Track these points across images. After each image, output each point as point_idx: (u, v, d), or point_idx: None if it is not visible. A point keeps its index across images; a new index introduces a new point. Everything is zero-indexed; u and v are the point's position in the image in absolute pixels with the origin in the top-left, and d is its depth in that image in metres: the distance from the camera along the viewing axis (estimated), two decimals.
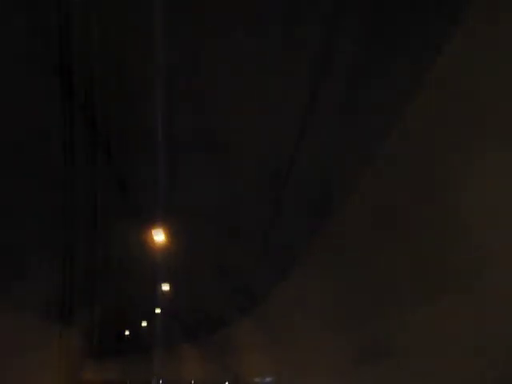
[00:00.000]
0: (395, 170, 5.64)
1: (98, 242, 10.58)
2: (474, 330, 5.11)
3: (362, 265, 7.53)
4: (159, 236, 10.68)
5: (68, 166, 6.89)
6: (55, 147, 6.44)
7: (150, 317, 22.17)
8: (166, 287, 16.60)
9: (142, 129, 6.81)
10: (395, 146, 5.40)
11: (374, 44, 4.74)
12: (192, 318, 20.62)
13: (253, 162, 7.38)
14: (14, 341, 11.06)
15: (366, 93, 5.23)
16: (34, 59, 5.03)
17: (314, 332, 10.70)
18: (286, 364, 13.00)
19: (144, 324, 25.92)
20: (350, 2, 4.39)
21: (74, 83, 5.37)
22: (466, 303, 5.15)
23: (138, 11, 4.71)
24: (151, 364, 27.12)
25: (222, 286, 14.06)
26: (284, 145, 6.59)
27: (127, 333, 30.30)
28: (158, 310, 21.42)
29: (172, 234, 10.82)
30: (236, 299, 14.45)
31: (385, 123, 5.30)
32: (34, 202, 7.67)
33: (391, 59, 4.75)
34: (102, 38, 4.85)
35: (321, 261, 9.12)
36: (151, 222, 10.22)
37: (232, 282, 13.34)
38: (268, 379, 14.55)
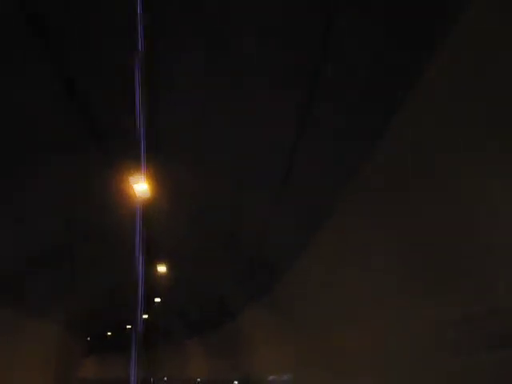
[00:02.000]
0: None
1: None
2: None
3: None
4: (141, 189, 7.98)
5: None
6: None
7: (148, 309, 19.88)
8: (162, 268, 14.10)
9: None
10: None
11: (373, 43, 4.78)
12: (195, 309, 19.01)
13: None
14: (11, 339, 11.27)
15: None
16: None
17: (340, 320, 9.08)
18: (305, 360, 11.49)
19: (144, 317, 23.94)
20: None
21: None
22: None
23: None
24: (152, 361, 26.10)
25: (228, 261, 11.90)
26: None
27: (128, 326, 28.66)
28: (157, 299, 19.34)
29: (161, 186, 8.19)
30: (247, 279, 12.55)
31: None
32: None
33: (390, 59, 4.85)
34: None
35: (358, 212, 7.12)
36: (131, 170, 7.51)
37: (241, 255, 11.17)
38: (284, 377, 13.20)
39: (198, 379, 23.88)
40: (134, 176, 7.60)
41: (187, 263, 13.38)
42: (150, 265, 13.70)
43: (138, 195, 8.20)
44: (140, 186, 7.93)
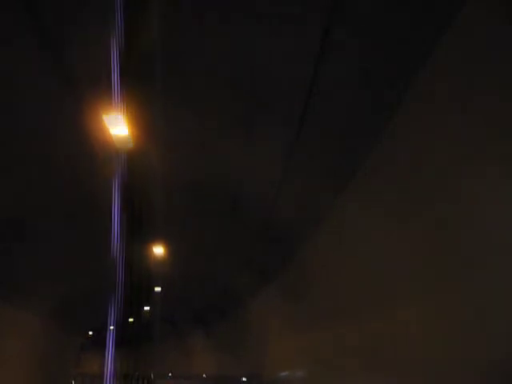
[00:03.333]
0: None
1: None
2: None
3: None
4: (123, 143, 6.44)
5: None
6: None
7: (149, 300, 19.37)
8: (159, 251, 12.93)
9: None
10: None
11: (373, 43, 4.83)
12: (199, 298, 18.37)
13: None
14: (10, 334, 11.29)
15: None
16: None
17: (365, 307, 7.97)
18: (322, 354, 10.51)
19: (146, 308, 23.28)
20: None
21: None
22: None
23: None
24: (156, 355, 25.63)
25: (234, 239, 10.84)
26: None
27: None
28: (157, 289, 18.64)
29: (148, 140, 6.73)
30: (255, 259, 11.54)
31: None
32: None
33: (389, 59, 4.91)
34: None
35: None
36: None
37: (249, 231, 10.01)
38: (298, 374, 12.44)
39: (204, 375, 23.60)
40: (110, 118, 6.04)
41: (187, 245, 12.09)
42: (145, 248, 12.49)
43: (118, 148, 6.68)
44: (120, 137, 6.39)
